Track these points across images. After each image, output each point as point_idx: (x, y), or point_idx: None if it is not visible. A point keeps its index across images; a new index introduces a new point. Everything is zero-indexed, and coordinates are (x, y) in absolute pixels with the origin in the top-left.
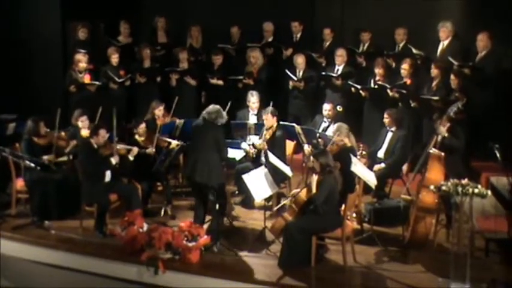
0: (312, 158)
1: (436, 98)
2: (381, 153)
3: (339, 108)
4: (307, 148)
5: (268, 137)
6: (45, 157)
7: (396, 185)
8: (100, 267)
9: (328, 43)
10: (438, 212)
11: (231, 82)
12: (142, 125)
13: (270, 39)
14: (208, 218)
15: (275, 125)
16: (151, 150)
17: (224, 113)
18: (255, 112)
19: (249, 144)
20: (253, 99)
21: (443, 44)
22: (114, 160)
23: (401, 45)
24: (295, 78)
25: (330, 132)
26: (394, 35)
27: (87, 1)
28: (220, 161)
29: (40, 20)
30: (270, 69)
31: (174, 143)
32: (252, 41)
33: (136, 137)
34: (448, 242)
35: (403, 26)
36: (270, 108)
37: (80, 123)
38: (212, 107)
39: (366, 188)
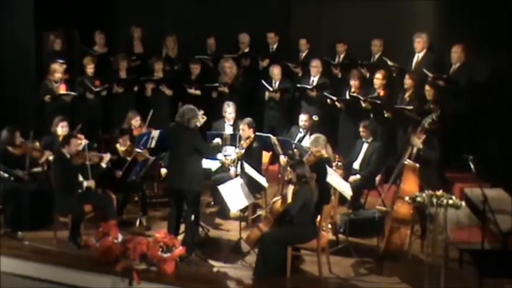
0: (288, 168)
1: (410, 107)
2: (356, 165)
3: (315, 117)
4: (283, 159)
5: (245, 146)
6: (19, 172)
7: (372, 196)
8: (74, 278)
9: (304, 54)
10: (413, 223)
11: (206, 90)
12: (126, 136)
13: (246, 50)
14: (182, 228)
15: (252, 136)
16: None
17: (198, 113)
18: (231, 123)
19: (224, 155)
20: (229, 110)
21: (418, 56)
22: (85, 183)
23: (376, 56)
24: (271, 89)
25: (305, 142)
26: (370, 46)
27: (61, 9)
28: (200, 167)
29: (13, 29)
30: (246, 80)
31: (151, 158)
32: (228, 51)
33: (118, 145)
34: (422, 252)
35: (379, 37)
36: (247, 119)
37: (59, 129)
38: (184, 108)
39: (342, 199)
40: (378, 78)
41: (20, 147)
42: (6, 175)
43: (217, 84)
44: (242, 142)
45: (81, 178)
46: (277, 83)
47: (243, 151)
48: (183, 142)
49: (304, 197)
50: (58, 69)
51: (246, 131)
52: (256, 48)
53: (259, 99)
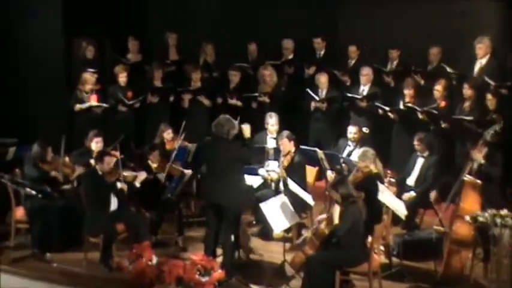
0: (331, 188)
1: (470, 118)
2: (411, 181)
3: (365, 130)
4: (330, 174)
5: (286, 163)
6: (65, 186)
7: (428, 215)
8: None
9: (353, 61)
10: (474, 245)
11: (246, 100)
12: (156, 152)
13: (290, 57)
14: (221, 250)
15: (293, 150)
16: (162, 175)
17: (235, 122)
18: (274, 135)
19: (267, 171)
20: (271, 121)
21: (481, 62)
22: (120, 184)
23: (434, 64)
24: (317, 99)
25: (354, 157)
26: (426, 53)
27: (91, 15)
28: (242, 182)
29: (41, 37)
30: (290, 89)
31: (188, 172)
32: (271, 58)
33: (150, 162)
34: (485, 278)
35: (437, 44)
36: (286, 132)
37: (93, 145)
38: (221, 119)
39: (395, 219)
40: (438, 89)
41: (51, 164)
42: (33, 192)
43: (256, 94)
44: (282, 159)
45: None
46: (324, 92)
47: (284, 167)
48: (224, 155)
49: (352, 217)
50: (89, 79)
51: (286, 145)
52: (301, 55)
53: (304, 109)
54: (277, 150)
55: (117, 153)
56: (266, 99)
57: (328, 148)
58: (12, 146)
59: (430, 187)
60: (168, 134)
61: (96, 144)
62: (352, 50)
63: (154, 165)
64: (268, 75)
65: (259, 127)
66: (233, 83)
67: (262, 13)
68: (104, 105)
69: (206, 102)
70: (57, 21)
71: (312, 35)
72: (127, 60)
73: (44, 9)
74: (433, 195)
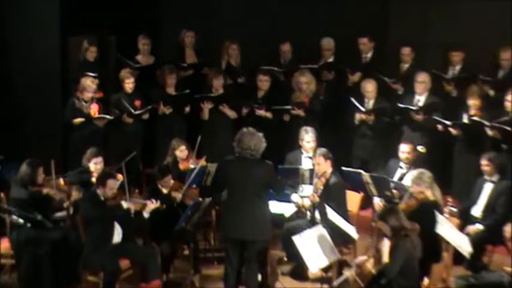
0: (378, 219)
1: None
2: (477, 211)
3: (421, 149)
4: (378, 202)
5: (320, 186)
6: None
7: (498, 253)
8: None
9: (406, 65)
10: None
11: (276, 113)
12: (168, 177)
13: (330, 60)
14: None
15: (329, 170)
16: (177, 195)
17: (262, 137)
18: (310, 154)
19: (301, 196)
20: (307, 137)
21: None
22: (125, 204)
23: (506, 70)
24: (363, 110)
25: (407, 181)
26: (496, 57)
27: (94, 10)
28: (269, 211)
29: (32, 34)
30: (330, 98)
31: (206, 200)
32: (307, 61)
33: (160, 187)
34: None
35: (509, 46)
36: (321, 149)
37: (92, 166)
38: (246, 134)
39: (457, 257)
40: (510, 100)
41: (42, 186)
42: (21, 220)
43: (289, 107)
44: (316, 180)
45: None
46: (371, 103)
47: (319, 191)
48: (250, 178)
49: (404, 255)
50: (90, 85)
51: (321, 164)
52: (343, 58)
53: (346, 123)
54: (313, 172)
55: (120, 176)
56: (301, 113)
57: (375, 170)
58: None
59: (500, 219)
60: (182, 152)
61: (95, 166)
62: (406, 52)
63: (165, 190)
64: (306, 82)
65: (292, 144)
66: (262, 90)
67: (297, 7)
68: (107, 116)
69: (230, 113)
70: (52, 16)
71: (356, 33)
72: (136, 64)
73: (37, 3)
74: (508, 229)
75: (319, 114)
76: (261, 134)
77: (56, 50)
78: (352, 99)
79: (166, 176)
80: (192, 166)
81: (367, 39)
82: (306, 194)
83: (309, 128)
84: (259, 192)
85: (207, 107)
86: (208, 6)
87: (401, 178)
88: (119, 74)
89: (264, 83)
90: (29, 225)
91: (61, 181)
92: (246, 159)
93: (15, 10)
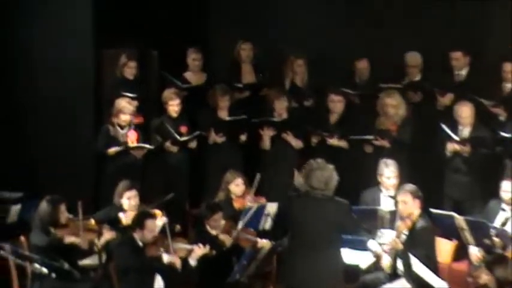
0: (483, 267)
1: None
2: None
3: None
4: (475, 253)
5: (404, 230)
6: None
7: None
8: None
9: (510, 85)
10: None
11: (354, 144)
12: (218, 215)
13: (416, 78)
14: None
15: (416, 212)
16: (228, 238)
17: (334, 171)
18: (391, 192)
19: (380, 244)
20: (388, 172)
21: None
22: (166, 258)
23: None
24: (456, 139)
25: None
26: None
27: (131, 18)
28: (339, 260)
29: (60, 47)
30: (416, 124)
31: (264, 242)
32: (387, 80)
33: (209, 228)
34: None
35: None
36: (409, 186)
37: (125, 202)
38: (314, 166)
39: None
40: None
41: (66, 227)
42: (45, 270)
43: (370, 137)
44: (399, 223)
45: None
46: (466, 130)
47: (402, 237)
48: (319, 220)
49: None
50: (126, 107)
51: (408, 203)
52: (432, 76)
53: (435, 154)
54: (395, 215)
55: (160, 214)
56: (386, 144)
57: (471, 213)
58: (15, 204)
59: None
60: (237, 186)
61: (128, 201)
62: (509, 69)
63: (215, 233)
64: (394, 105)
65: (368, 180)
66: (334, 113)
67: (374, 17)
68: (147, 146)
69: (295, 142)
70: (84, 25)
71: (447, 47)
72: (184, 83)
73: (66, 8)
74: None
75: (408, 146)
76: (331, 167)
77: (89, 65)
78: (443, 126)
79: (215, 213)
80: (249, 204)
81: (461, 54)
82: (386, 240)
83: (390, 161)
84: (330, 237)
85: (267, 134)
86: (269, 14)
87: (504, 223)
88: (161, 95)
89: (336, 104)
90: (53, 275)
91: (91, 221)
92: (314, 197)
93: (40, 19)
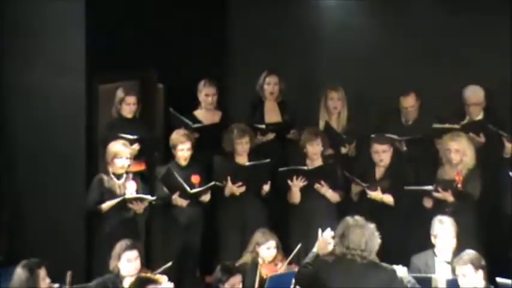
0: None
1: None
2: None
3: None
4: None
5: None
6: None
7: None
8: None
9: None
10: None
11: (404, 198)
12: (237, 279)
13: (479, 117)
14: None
15: (481, 286)
16: None
17: (375, 231)
18: (448, 257)
19: None
20: (443, 232)
21: None
22: None
23: None
24: None
25: None
26: None
27: (132, 46)
28: None
29: (46, 78)
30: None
31: None
32: (443, 119)
33: None
34: None
35: None
36: (469, 254)
37: (124, 265)
38: (351, 225)
39: None
40: None
41: None
42: None
43: (430, 187)
44: None
45: None
46: None
47: None
48: None
49: None
50: (123, 151)
51: (469, 277)
52: (497, 115)
53: (505, 213)
54: (453, 284)
55: (165, 279)
56: (450, 197)
57: None
58: None
59: None
60: (268, 250)
61: (128, 264)
62: None
63: None
64: (458, 150)
65: (421, 241)
66: (380, 166)
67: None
68: (149, 197)
69: (331, 195)
70: (75, 56)
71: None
72: (194, 123)
73: (57, 28)
74: None
75: (475, 201)
76: (372, 226)
77: (80, 104)
78: None
79: (233, 276)
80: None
81: None
82: None
83: (446, 218)
84: None
85: (297, 185)
86: (301, 41)
87: None
88: (169, 137)
89: (381, 155)
90: None
91: None
92: (353, 263)
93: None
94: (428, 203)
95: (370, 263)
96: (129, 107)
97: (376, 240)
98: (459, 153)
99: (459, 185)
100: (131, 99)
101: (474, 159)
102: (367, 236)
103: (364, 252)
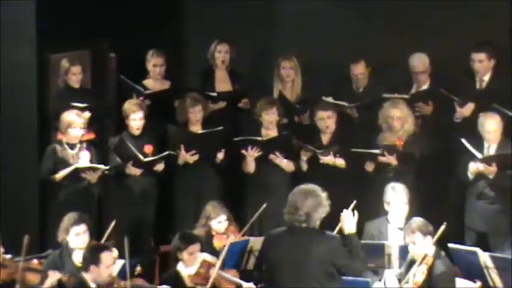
0: None
1: None
2: None
3: None
4: None
5: (421, 277)
6: None
7: None
8: None
9: None
10: None
11: (354, 163)
12: (195, 247)
13: (425, 86)
14: None
15: (431, 252)
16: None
17: (324, 197)
18: (400, 224)
19: None
20: (396, 199)
21: None
22: None
23: None
24: (479, 157)
25: None
26: None
27: (83, 16)
28: None
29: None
30: (427, 140)
31: (248, 285)
32: (391, 89)
33: (180, 268)
34: None
35: None
36: (417, 220)
37: (73, 238)
38: (295, 193)
39: None
40: None
41: (4, 268)
42: None
43: (376, 151)
44: (415, 269)
45: None
46: (492, 147)
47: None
48: (304, 258)
49: None
50: (76, 122)
51: (418, 244)
52: (447, 82)
53: (455, 178)
54: (405, 250)
55: (115, 251)
56: (393, 161)
57: (499, 248)
58: None
59: None
60: (219, 224)
61: (76, 237)
62: None
63: (190, 274)
64: (400, 117)
65: (373, 208)
66: (326, 132)
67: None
68: (102, 166)
69: (286, 165)
70: (27, 24)
71: (465, 46)
72: (144, 89)
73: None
74: None
75: (417, 165)
76: (323, 195)
77: (31, 74)
78: (465, 142)
79: (192, 244)
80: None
81: (484, 55)
82: (391, 285)
83: (399, 185)
84: (319, 278)
85: (252, 155)
86: (253, 11)
87: None
88: (121, 107)
89: (326, 121)
90: None
91: (35, 261)
92: (296, 229)
93: None
94: (370, 167)
95: (315, 231)
96: (75, 77)
97: (321, 208)
98: (401, 120)
99: (402, 149)
100: (76, 69)
101: (413, 124)
102: (309, 202)
103: (301, 217)
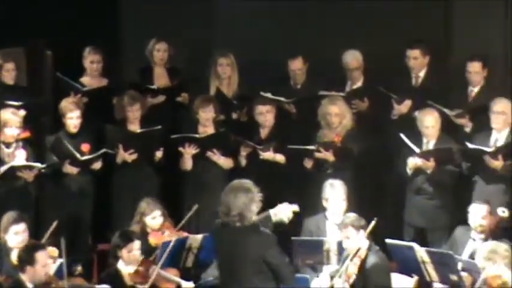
0: None
1: None
2: None
3: (503, 211)
4: None
5: (353, 270)
6: None
7: None
8: None
9: (476, 90)
10: None
11: (293, 159)
12: (134, 244)
13: (359, 83)
14: None
15: (364, 246)
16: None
17: (255, 193)
18: (338, 219)
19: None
20: (334, 195)
21: None
22: None
23: None
24: (417, 151)
25: (480, 259)
26: None
27: (20, 12)
28: None
29: None
30: (365, 136)
31: (188, 284)
32: (328, 85)
33: (120, 266)
34: None
35: None
36: (351, 216)
37: (11, 237)
38: (227, 190)
39: None
40: None
41: None
42: None
43: (312, 147)
44: (347, 262)
45: None
46: (431, 143)
47: (352, 278)
48: (237, 255)
49: None
50: (11, 120)
51: (352, 238)
52: (385, 79)
53: (391, 173)
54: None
55: (55, 251)
56: (330, 157)
57: (435, 243)
58: None
59: None
60: (153, 219)
61: (15, 237)
62: (475, 69)
63: (130, 272)
64: (337, 114)
65: (312, 205)
66: (265, 128)
67: (314, 10)
68: (38, 165)
69: (223, 161)
70: None
71: (401, 43)
72: (82, 87)
73: None
74: None
75: (355, 161)
76: (255, 190)
77: None
78: (403, 137)
79: (131, 242)
80: (167, 239)
81: (419, 52)
82: (325, 282)
83: (337, 182)
84: (255, 275)
85: (189, 152)
86: (189, 10)
87: (472, 255)
88: (58, 105)
89: (265, 116)
90: None
91: None
92: (234, 230)
93: None
94: (308, 164)
95: (250, 228)
96: (9, 74)
97: (250, 206)
98: (339, 116)
99: (339, 145)
100: (10, 66)
101: (352, 120)
102: (241, 199)
103: (233, 216)
